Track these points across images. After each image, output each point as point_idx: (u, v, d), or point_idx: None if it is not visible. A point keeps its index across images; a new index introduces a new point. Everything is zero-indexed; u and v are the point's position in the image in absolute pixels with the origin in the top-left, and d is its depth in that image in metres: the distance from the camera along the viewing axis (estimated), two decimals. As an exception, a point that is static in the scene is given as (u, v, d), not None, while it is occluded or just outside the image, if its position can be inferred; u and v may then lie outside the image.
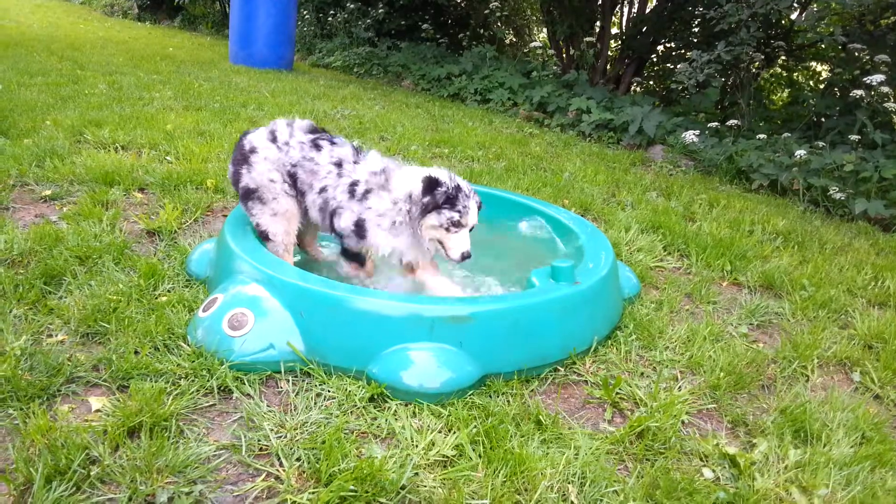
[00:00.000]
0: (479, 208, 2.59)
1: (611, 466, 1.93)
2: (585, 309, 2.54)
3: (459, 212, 2.48)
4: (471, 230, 2.56)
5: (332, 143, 2.68)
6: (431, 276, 2.72)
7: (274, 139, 2.66)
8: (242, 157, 2.66)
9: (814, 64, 9.62)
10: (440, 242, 2.56)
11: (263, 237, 2.69)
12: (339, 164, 2.62)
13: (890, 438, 2.23)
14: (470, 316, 2.23)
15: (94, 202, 3.44)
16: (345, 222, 2.59)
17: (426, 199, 2.47)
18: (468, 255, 2.54)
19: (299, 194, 2.68)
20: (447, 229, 2.50)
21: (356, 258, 2.74)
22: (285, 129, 2.69)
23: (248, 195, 2.67)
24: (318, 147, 2.65)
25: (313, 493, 1.70)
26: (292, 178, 2.65)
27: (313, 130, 2.73)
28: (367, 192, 2.57)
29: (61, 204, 3.45)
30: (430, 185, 2.48)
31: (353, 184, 2.58)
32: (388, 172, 2.60)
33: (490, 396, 2.19)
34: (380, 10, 12.39)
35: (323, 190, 2.62)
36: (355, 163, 2.63)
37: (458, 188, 2.50)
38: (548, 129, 8.08)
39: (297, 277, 2.32)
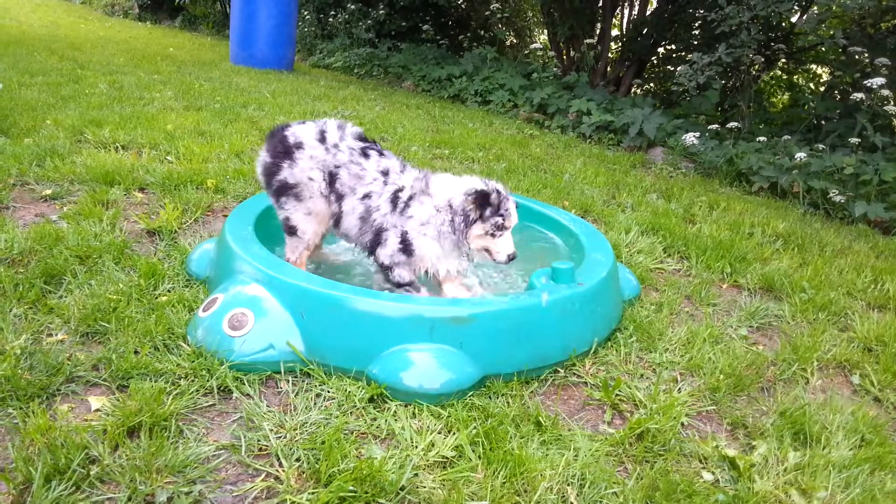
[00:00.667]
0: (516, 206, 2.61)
1: (610, 468, 1.93)
2: (585, 310, 2.54)
3: (503, 215, 2.50)
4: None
5: (381, 155, 2.63)
6: (455, 287, 2.71)
7: (323, 139, 2.58)
8: (285, 151, 2.57)
9: (814, 66, 9.63)
10: (486, 249, 2.57)
11: (290, 231, 2.65)
12: (385, 174, 2.57)
13: (889, 441, 2.23)
14: (470, 317, 2.23)
15: (94, 202, 3.44)
16: (391, 247, 2.51)
17: (481, 212, 2.48)
18: (514, 256, 2.56)
19: (336, 197, 2.59)
20: (493, 235, 2.52)
21: (409, 286, 2.59)
22: (336, 131, 2.61)
23: (285, 190, 2.59)
24: (366, 156, 2.59)
25: (313, 493, 1.70)
26: (331, 178, 2.57)
27: (363, 139, 2.67)
28: (410, 198, 2.52)
29: (61, 203, 3.45)
30: (482, 198, 2.47)
31: (398, 190, 2.53)
32: (427, 177, 2.57)
33: (490, 397, 2.19)
34: (380, 12, 12.40)
35: (367, 196, 2.55)
36: (401, 172, 2.60)
37: (498, 192, 2.51)
38: (548, 131, 8.08)
39: (297, 278, 2.32)
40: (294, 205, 2.62)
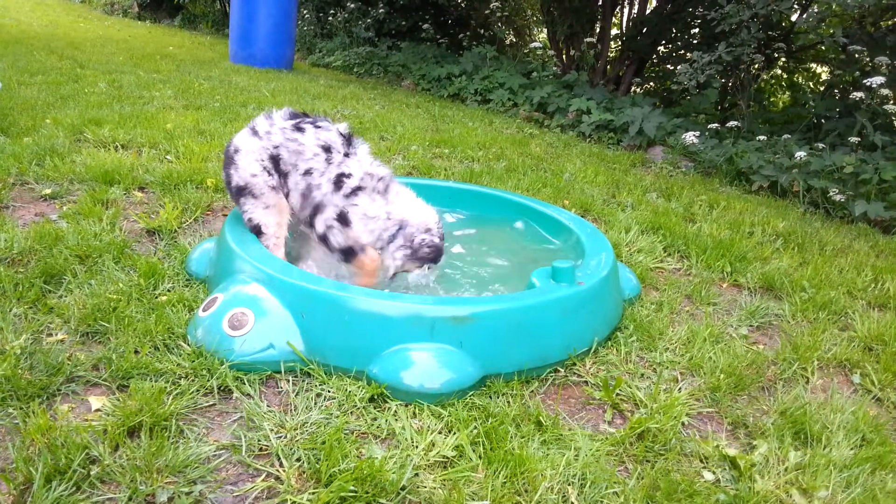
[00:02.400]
0: None
1: (611, 468, 1.93)
2: (586, 310, 2.54)
3: (435, 264, 2.73)
4: None
5: (317, 127, 2.67)
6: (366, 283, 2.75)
7: (255, 133, 2.68)
8: (229, 159, 2.69)
9: (814, 65, 9.63)
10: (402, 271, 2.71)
11: (256, 231, 2.69)
12: (327, 150, 2.62)
13: (890, 441, 2.23)
14: (470, 316, 2.23)
15: (94, 201, 3.44)
16: (328, 215, 2.62)
17: (427, 265, 2.69)
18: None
19: (282, 177, 2.66)
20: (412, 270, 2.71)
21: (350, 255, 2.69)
22: (264, 121, 2.70)
23: (240, 192, 2.68)
24: (300, 130, 2.65)
25: (313, 493, 1.70)
26: (275, 162, 2.64)
27: (294, 116, 2.73)
28: (359, 189, 2.59)
29: (61, 203, 3.45)
30: (436, 257, 2.68)
31: (344, 175, 2.59)
32: (387, 183, 2.65)
33: (490, 397, 2.19)
34: (380, 10, 12.39)
35: (308, 172, 2.62)
36: (346, 155, 2.64)
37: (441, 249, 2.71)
38: (548, 130, 8.08)
39: (297, 277, 2.32)
40: (252, 202, 2.68)
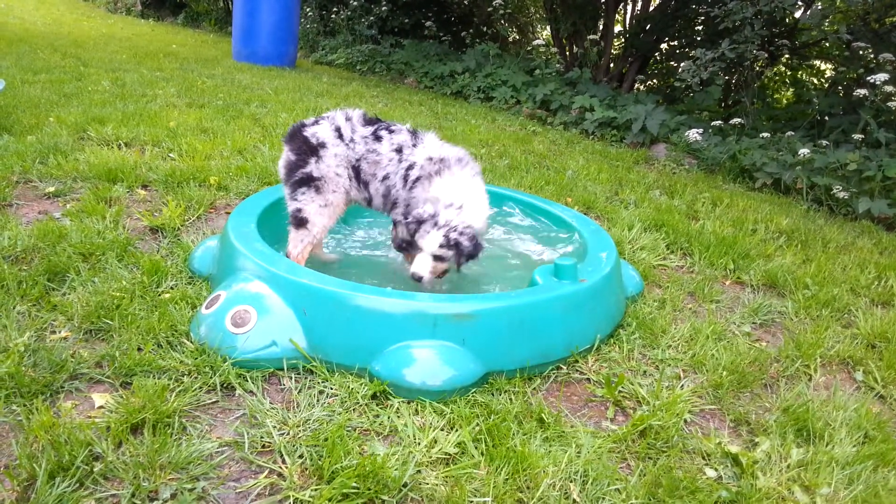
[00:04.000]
0: None
1: (613, 465, 1.93)
2: (588, 307, 2.54)
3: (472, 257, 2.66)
4: None
5: (390, 132, 2.76)
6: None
7: (340, 135, 2.72)
8: (311, 149, 2.68)
9: (818, 62, 9.59)
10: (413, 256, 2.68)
11: (299, 223, 2.72)
12: (399, 151, 2.72)
13: (892, 438, 2.23)
14: (473, 313, 2.23)
15: (97, 199, 3.45)
16: (398, 210, 2.76)
17: (458, 259, 2.62)
18: (419, 279, 2.63)
19: (363, 186, 2.76)
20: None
21: (409, 247, 2.75)
22: (345, 122, 2.75)
23: (307, 182, 2.68)
24: (378, 139, 2.73)
25: (316, 489, 1.70)
26: (356, 171, 2.74)
27: (369, 122, 2.79)
28: (417, 180, 2.67)
29: (65, 201, 3.46)
30: (474, 253, 2.61)
31: (409, 167, 2.71)
32: (446, 163, 2.69)
33: (492, 394, 2.19)
34: (383, 8, 12.37)
35: (385, 178, 2.73)
36: (413, 146, 2.73)
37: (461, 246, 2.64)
38: (551, 127, 8.07)
39: (299, 275, 2.32)
40: (312, 196, 2.70)
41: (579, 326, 2.50)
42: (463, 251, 2.57)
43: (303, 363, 2.22)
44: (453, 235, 2.55)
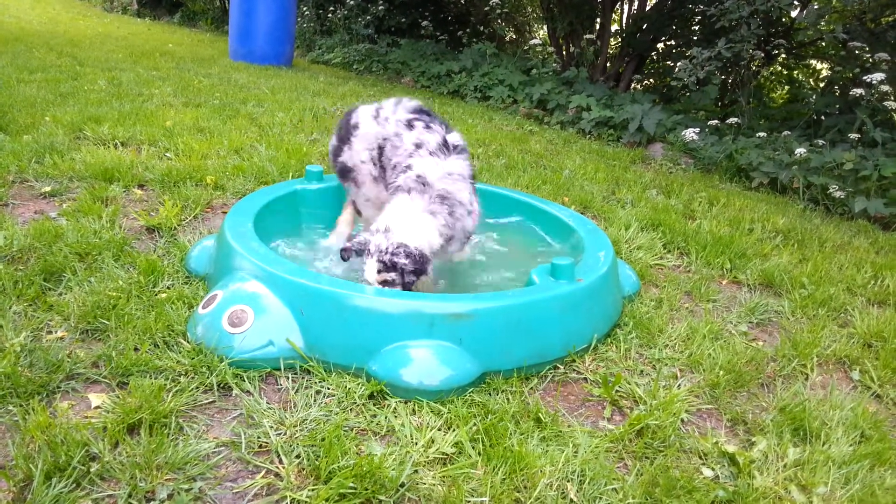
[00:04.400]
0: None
1: (610, 464, 1.93)
2: (585, 306, 2.54)
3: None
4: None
5: (427, 127, 2.61)
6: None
7: (376, 116, 2.62)
8: (347, 133, 2.63)
9: (814, 62, 9.62)
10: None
11: (359, 214, 2.75)
12: (418, 146, 2.56)
13: (889, 437, 2.23)
14: (470, 313, 2.23)
15: (93, 199, 3.44)
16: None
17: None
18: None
19: (381, 170, 2.64)
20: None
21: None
22: (391, 106, 2.67)
23: (345, 174, 2.67)
24: (411, 126, 2.59)
25: (313, 490, 1.70)
26: (380, 152, 2.60)
27: (417, 111, 2.68)
28: (398, 189, 2.52)
29: (61, 200, 3.45)
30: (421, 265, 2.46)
31: (407, 167, 2.56)
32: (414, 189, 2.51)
33: (490, 394, 2.19)
34: (380, 7, 12.36)
35: (394, 167, 2.60)
36: (431, 154, 2.55)
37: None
38: (548, 127, 8.07)
39: (296, 274, 2.32)
40: (355, 191, 2.71)
41: (576, 326, 2.50)
42: (405, 269, 2.40)
43: (300, 363, 2.22)
44: (387, 258, 2.39)
